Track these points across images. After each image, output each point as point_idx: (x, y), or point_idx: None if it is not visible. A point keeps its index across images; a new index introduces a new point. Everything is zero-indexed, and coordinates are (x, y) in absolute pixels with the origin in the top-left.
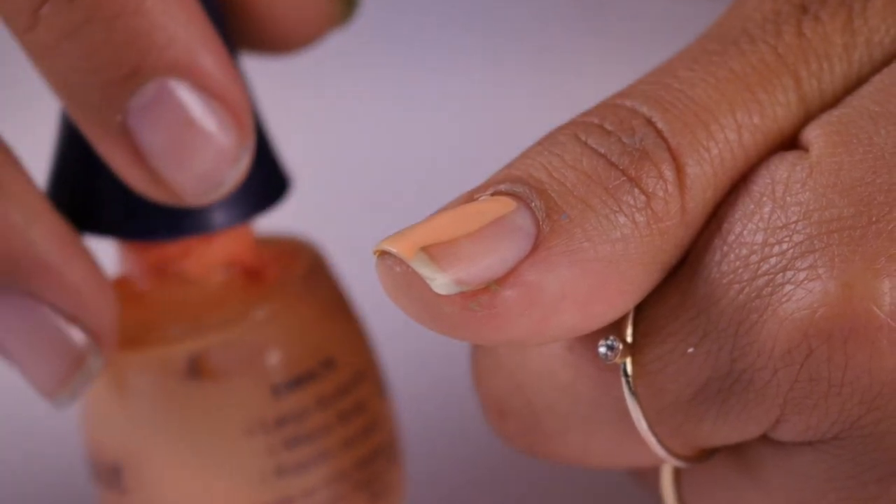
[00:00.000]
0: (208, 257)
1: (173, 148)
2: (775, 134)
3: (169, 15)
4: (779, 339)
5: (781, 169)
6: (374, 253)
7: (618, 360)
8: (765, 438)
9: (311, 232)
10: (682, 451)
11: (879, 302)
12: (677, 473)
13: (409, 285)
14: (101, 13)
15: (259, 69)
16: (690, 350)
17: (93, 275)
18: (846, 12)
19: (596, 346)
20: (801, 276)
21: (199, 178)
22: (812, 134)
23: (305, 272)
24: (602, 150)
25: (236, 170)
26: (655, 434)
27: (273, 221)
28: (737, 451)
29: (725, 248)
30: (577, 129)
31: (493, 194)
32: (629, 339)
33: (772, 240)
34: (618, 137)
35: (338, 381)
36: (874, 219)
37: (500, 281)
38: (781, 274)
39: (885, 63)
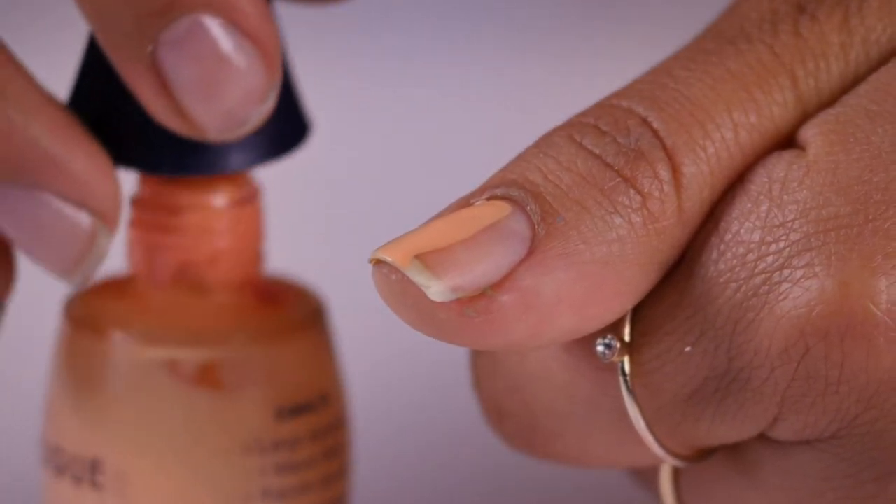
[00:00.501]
0: (227, 270)
1: (202, 82)
2: (772, 133)
3: None
4: (776, 338)
5: (779, 168)
6: (370, 262)
7: (615, 359)
8: (763, 438)
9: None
10: (680, 451)
11: (876, 300)
12: (676, 473)
13: (405, 293)
14: None
15: None
16: (688, 349)
17: (95, 160)
18: (843, 11)
19: (593, 346)
20: (798, 274)
21: (224, 114)
22: (809, 133)
23: (314, 309)
24: (597, 151)
25: (262, 109)
26: (653, 433)
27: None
28: (735, 451)
29: (722, 246)
30: (572, 129)
31: (488, 199)
32: (627, 338)
33: (769, 238)
34: (613, 138)
35: (329, 418)
36: (871, 217)
37: (496, 286)
38: (778, 272)
39: (882, 62)
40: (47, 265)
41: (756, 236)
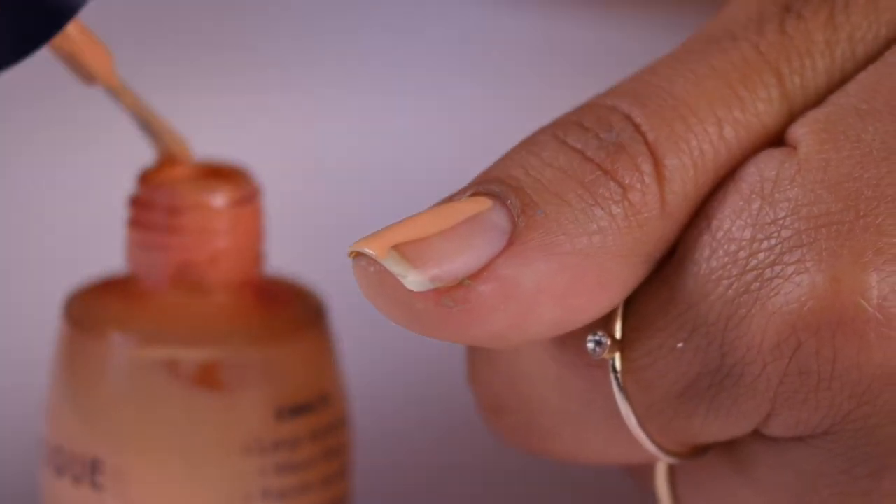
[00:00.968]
0: (227, 270)
1: None
2: (759, 129)
3: None
4: (768, 333)
5: (770, 166)
6: (349, 255)
7: (606, 355)
8: (756, 435)
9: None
10: (672, 448)
11: (867, 295)
12: (672, 470)
13: (383, 284)
14: None
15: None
16: (680, 345)
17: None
18: (828, 9)
19: (585, 343)
20: (790, 270)
21: None
22: (799, 131)
23: (315, 309)
24: (578, 146)
25: None
26: (645, 430)
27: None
28: (730, 448)
29: (714, 244)
30: (555, 128)
31: (471, 195)
32: (618, 334)
33: (760, 235)
34: (595, 133)
35: (329, 418)
36: (862, 213)
37: (474, 276)
38: (770, 269)
39: (869, 60)
40: None
41: (748, 233)
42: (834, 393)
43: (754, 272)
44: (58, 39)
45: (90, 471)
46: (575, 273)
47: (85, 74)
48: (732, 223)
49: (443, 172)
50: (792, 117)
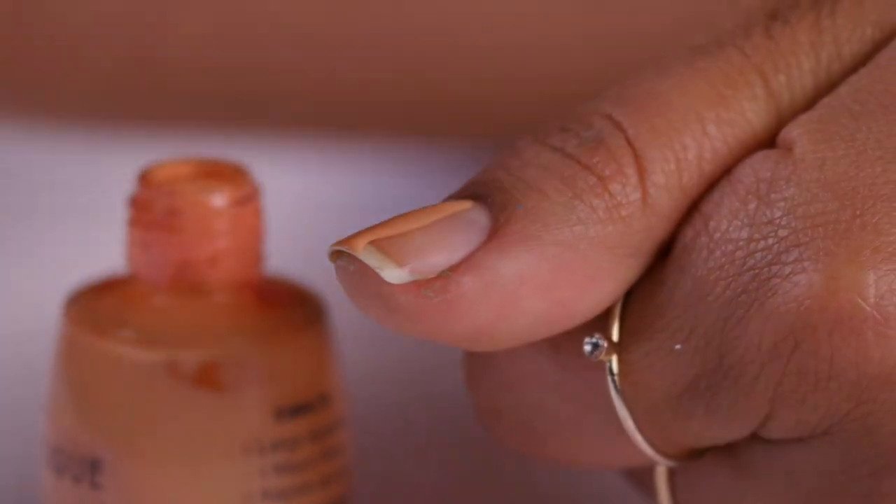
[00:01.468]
0: (227, 270)
1: None
2: (745, 126)
3: None
4: (765, 333)
5: (766, 166)
6: (329, 257)
7: (603, 357)
8: (755, 437)
9: None
10: (670, 451)
11: (864, 294)
12: (671, 474)
13: (363, 280)
14: None
15: None
16: (678, 347)
17: None
18: (815, 14)
19: (582, 345)
20: (787, 270)
21: None
22: (794, 133)
23: (314, 309)
24: (558, 145)
25: None
26: (643, 433)
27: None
28: (729, 451)
29: (711, 244)
30: (537, 132)
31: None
32: (615, 336)
33: (757, 235)
34: (576, 132)
35: (329, 418)
36: (858, 212)
37: (454, 268)
38: (767, 269)
39: (856, 60)
40: None
41: (744, 234)
42: (832, 393)
43: (751, 272)
44: None
45: (90, 471)
46: (558, 264)
47: None
48: (729, 224)
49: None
50: (780, 116)
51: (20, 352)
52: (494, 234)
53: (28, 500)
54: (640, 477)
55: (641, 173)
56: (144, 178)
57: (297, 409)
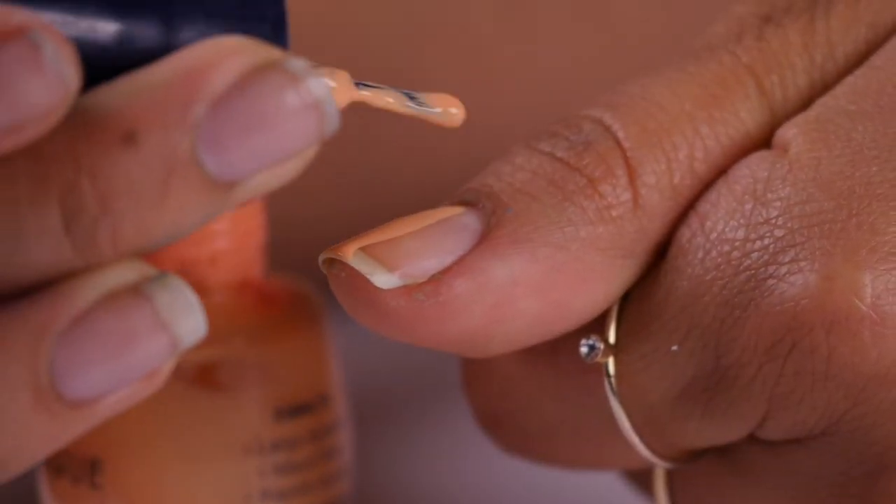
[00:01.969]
0: (227, 270)
1: None
2: (738, 126)
3: None
4: (762, 334)
5: (762, 167)
6: (321, 265)
7: (599, 359)
8: (753, 438)
9: None
10: (668, 452)
11: (861, 294)
12: (669, 475)
13: (355, 286)
14: None
15: None
16: (674, 348)
17: None
18: (808, 17)
19: (579, 347)
20: (783, 270)
21: None
22: (790, 133)
23: (314, 309)
24: (548, 149)
25: None
26: (640, 435)
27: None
28: (727, 453)
29: (708, 245)
30: (528, 138)
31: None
32: (611, 339)
33: (753, 235)
34: (565, 136)
35: (328, 418)
36: (854, 211)
37: (445, 271)
38: (764, 269)
39: (850, 60)
40: None
41: (740, 234)
42: (829, 393)
43: (748, 273)
44: None
45: (90, 471)
46: (550, 265)
47: None
48: (725, 224)
49: (444, 170)
50: (774, 115)
51: None
52: (485, 237)
53: (28, 500)
54: (639, 478)
55: (631, 174)
56: None
57: (297, 410)
